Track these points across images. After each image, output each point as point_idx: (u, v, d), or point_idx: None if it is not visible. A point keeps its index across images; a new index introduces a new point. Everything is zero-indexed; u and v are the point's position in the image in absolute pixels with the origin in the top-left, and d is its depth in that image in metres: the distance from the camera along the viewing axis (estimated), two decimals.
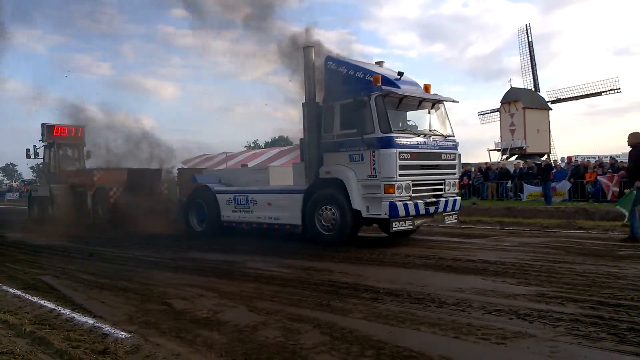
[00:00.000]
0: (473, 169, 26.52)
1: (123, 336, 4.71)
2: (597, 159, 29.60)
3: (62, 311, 5.78)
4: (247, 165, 23.87)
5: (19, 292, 6.91)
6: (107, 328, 5.01)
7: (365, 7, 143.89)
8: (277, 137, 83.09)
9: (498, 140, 52.59)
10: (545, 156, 50.13)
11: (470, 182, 24.91)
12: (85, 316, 5.53)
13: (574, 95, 49.94)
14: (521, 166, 24.78)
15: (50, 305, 6.11)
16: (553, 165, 22.61)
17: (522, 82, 52.50)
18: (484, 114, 54.84)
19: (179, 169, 22.29)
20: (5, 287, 7.30)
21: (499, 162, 40.02)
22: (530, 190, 21.87)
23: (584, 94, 49.24)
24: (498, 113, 52.62)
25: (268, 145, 76.77)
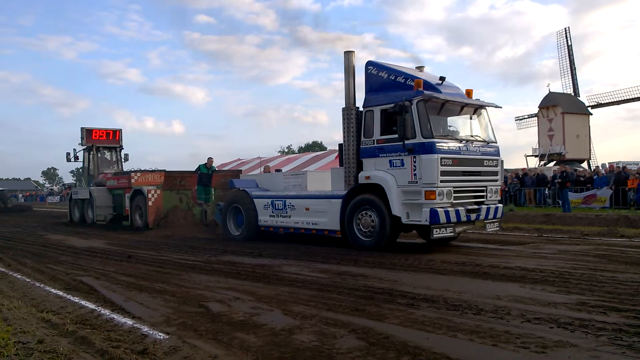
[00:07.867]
0: (509, 175, 26.09)
1: (161, 337, 4.77)
2: (639, 165, 28.74)
3: (102, 312, 5.89)
4: (282, 170, 23.97)
5: (61, 293, 7.08)
6: (145, 329, 5.08)
7: (390, 10, 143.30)
8: (311, 142, 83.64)
9: (535, 145, 51.74)
10: (585, 162, 49.09)
11: (507, 188, 24.51)
12: (124, 317, 5.63)
13: (616, 100, 48.78)
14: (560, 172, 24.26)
15: (91, 305, 6.24)
16: (567, 172, 22.07)
17: (560, 86, 51.59)
18: (521, 119, 54.06)
19: None
20: (48, 288, 7.49)
21: (536, 167, 39.30)
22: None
23: (626, 98, 48.03)
24: (536, 118, 51.76)
25: (302, 150, 77.23)
